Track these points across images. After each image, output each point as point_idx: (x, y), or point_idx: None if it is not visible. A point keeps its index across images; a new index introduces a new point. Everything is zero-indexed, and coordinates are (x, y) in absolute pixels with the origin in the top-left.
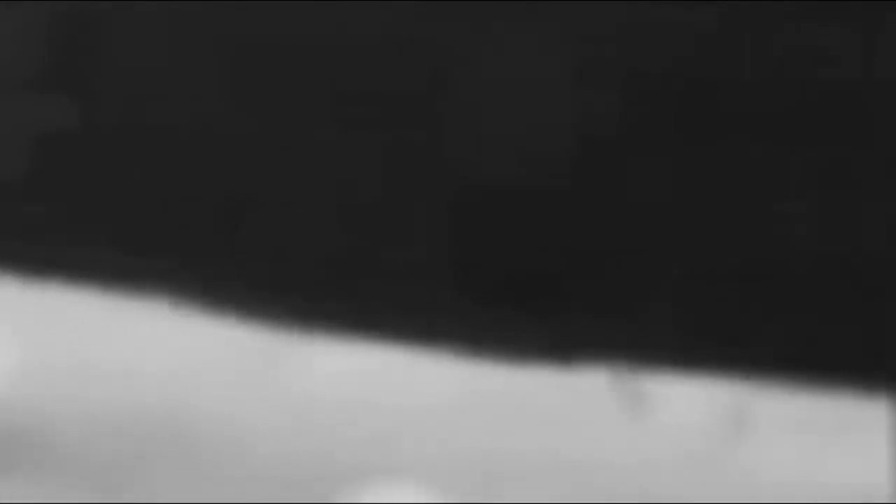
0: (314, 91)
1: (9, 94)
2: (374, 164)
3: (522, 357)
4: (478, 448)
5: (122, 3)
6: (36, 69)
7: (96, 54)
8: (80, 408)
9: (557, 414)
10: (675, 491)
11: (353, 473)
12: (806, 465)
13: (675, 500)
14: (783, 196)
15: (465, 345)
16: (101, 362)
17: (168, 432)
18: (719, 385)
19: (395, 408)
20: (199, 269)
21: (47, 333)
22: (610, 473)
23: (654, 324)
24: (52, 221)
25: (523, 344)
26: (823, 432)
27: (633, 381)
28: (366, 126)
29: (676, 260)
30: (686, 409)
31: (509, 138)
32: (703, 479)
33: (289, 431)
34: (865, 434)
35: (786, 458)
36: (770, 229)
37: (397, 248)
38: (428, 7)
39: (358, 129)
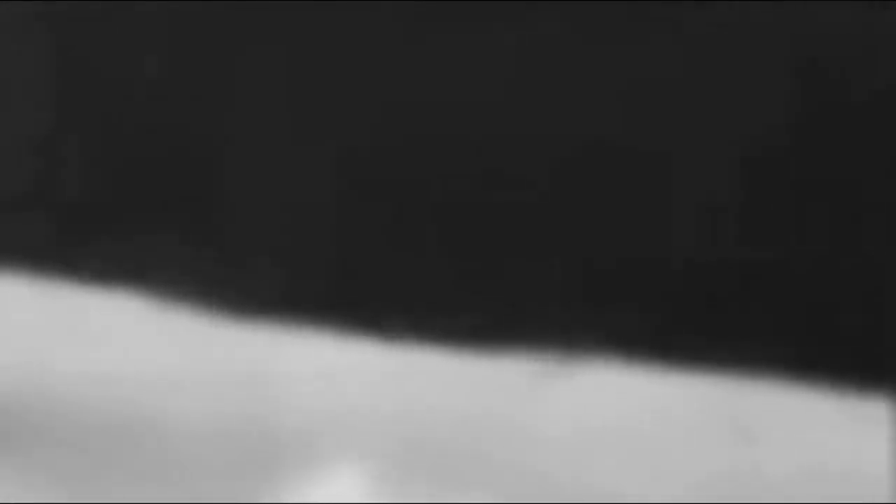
0: None
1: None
2: None
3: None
4: (421, 436)
5: (121, 4)
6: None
7: (95, 56)
8: (51, 407)
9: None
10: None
11: (299, 460)
12: (807, 461)
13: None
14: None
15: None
16: (66, 360)
17: (133, 425)
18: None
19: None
20: (183, 268)
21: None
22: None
23: (652, 321)
24: (52, 224)
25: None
26: (824, 428)
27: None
28: None
29: (673, 256)
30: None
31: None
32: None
33: (240, 419)
34: (866, 429)
35: (788, 454)
36: (772, 228)
37: None
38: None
39: None
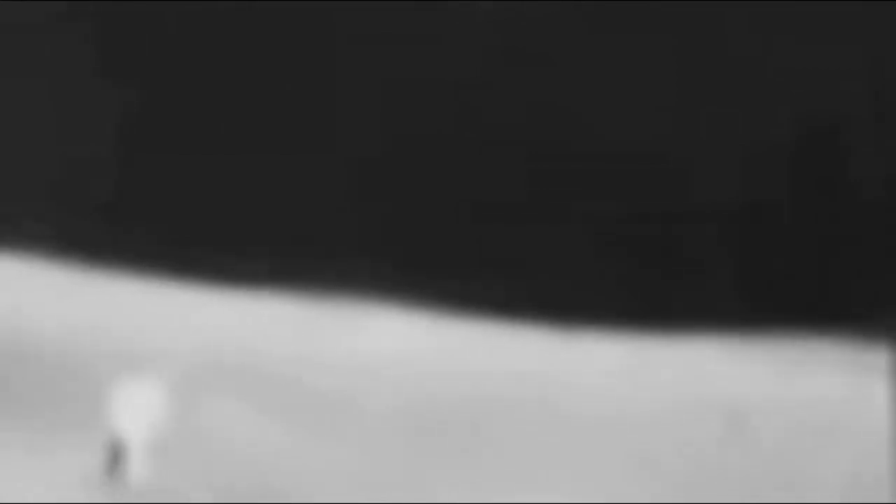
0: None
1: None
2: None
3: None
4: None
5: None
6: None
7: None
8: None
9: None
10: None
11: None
12: (806, 410)
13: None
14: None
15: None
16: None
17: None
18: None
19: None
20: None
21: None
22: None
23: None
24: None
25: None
26: (823, 375)
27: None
28: None
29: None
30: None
31: None
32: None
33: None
34: (865, 377)
35: (787, 405)
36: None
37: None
38: None
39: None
